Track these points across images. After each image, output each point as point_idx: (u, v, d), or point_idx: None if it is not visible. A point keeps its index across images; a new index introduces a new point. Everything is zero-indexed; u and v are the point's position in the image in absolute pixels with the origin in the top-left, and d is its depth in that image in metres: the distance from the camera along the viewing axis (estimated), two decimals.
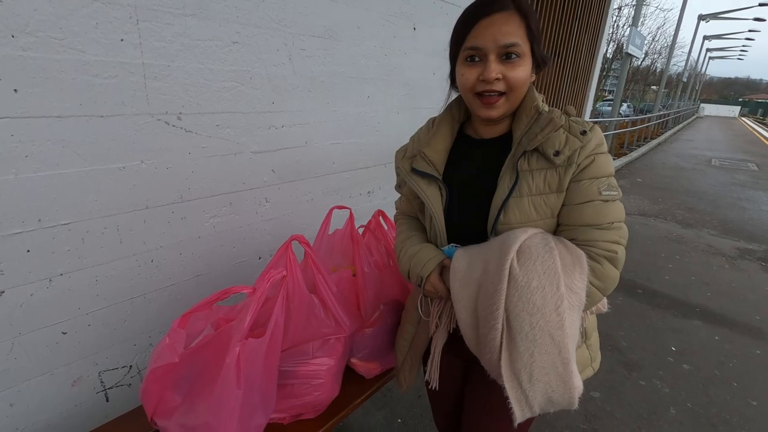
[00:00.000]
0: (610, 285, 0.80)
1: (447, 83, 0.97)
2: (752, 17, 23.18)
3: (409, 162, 0.94)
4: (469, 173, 0.89)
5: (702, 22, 22.28)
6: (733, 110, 56.75)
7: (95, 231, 1.13)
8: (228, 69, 1.31)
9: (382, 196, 2.15)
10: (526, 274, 0.73)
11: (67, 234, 1.08)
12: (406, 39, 1.99)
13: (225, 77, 1.31)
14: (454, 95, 0.96)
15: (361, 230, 1.36)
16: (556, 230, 0.83)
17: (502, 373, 0.75)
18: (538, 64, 0.83)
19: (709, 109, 53.60)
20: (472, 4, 0.80)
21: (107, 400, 1.27)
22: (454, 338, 0.95)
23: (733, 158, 11.12)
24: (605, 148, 0.81)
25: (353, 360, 1.25)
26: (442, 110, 0.98)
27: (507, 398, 0.76)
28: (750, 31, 27.25)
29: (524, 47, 0.77)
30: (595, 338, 0.98)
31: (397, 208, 1.13)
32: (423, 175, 0.90)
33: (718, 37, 31.14)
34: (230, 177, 1.41)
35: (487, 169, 0.86)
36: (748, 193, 6.82)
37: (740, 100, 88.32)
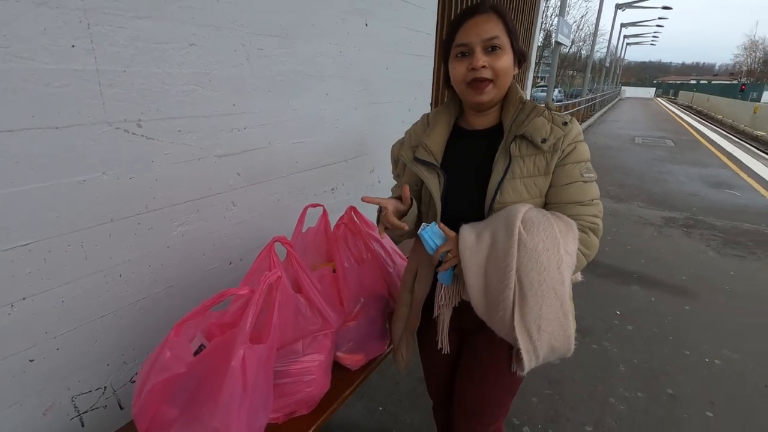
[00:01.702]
0: (593, 252, 0.94)
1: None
2: (661, 5, 25.38)
3: (412, 151, 1.05)
4: (464, 160, 1.01)
5: (619, 11, 24.07)
6: (649, 92, 62.06)
7: (58, 249, 1.06)
8: (186, 72, 1.28)
9: (346, 192, 2.17)
10: (533, 239, 0.84)
11: (28, 255, 1.01)
12: (359, 35, 2.01)
13: (184, 81, 1.27)
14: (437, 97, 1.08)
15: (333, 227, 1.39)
16: (546, 208, 0.95)
17: (515, 327, 0.85)
18: (519, 60, 0.96)
19: (629, 92, 58.18)
20: (458, 14, 0.95)
21: (82, 426, 1.21)
22: (454, 312, 1.07)
23: (653, 136, 12.22)
24: (582, 137, 0.94)
25: (338, 354, 1.28)
26: (435, 107, 1.10)
27: (518, 350, 0.87)
28: (659, 18, 29.85)
29: (504, 41, 0.91)
30: (571, 306, 1.09)
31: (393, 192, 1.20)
32: (424, 163, 1.01)
33: (633, 24, 33.82)
34: (196, 183, 1.38)
35: (481, 155, 0.97)
36: (668, 167, 7.55)
37: (654, 82, 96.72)
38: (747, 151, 9.89)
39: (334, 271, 1.27)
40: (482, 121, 1.01)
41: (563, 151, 0.91)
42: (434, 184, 0.99)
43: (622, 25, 33.63)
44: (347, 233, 1.35)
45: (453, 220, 0.98)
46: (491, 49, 0.90)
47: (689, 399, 1.99)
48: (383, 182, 2.51)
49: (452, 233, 0.95)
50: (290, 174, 1.78)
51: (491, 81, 0.91)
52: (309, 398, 1.10)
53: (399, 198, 1.03)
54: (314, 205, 1.37)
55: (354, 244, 1.34)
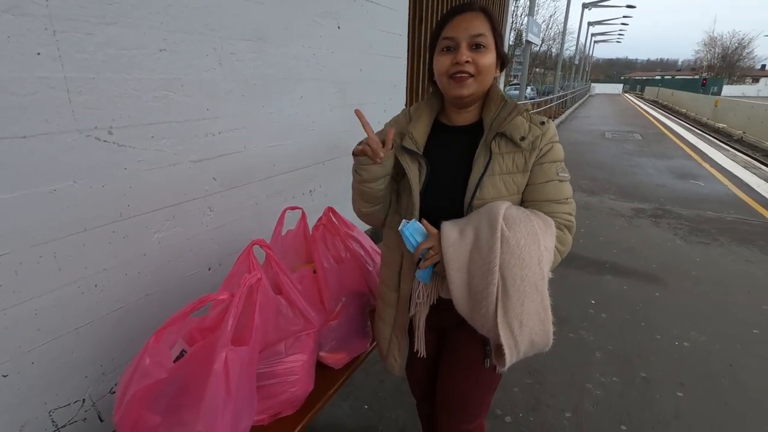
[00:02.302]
0: (568, 248, 0.98)
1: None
2: (625, 4, 26.27)
3: (400, 138, 1.03)
4: (443, 155, 1.01)
5: (586, 10, 24.79)
6: (618, 88, 64.10)
7: (29, 261, 1.04)
8: (157, 78, 1.27)
9: (324, 194, 2.18)
10: (515, 235, 0.86)
11: None
12: (332, 38, 2.03)
13: (155, 86, 1.26)
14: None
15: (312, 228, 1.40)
16: (522, 205, 0.97)
17: (497, 323, 0.86)
18: (502, 64, 0.98)
19: (598, 88, 59.90)
20: (448, 10, 0.97)
21: None
22: (431, 310, 1.06)
23: (622, 130, 12.63)
24: (558, 137, 0.97)
25: (321, 353, 1.29)
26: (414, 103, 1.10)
27: (498, 346, 0.88)
28: (624, 17, 30.89)
29: (490, 40, 0.93)
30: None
31: None
32: (409, 152, 1.01)
33: (600, 22, 34.89)
34: (171, 189, 1.37)
35: (460, 151, 0.98)
36: (636, 160, 7.82)
37: (622, 78, 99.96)
38: (709, 142, 10.34)
39: (315, 272, 1.29)
40: (463, 118, 1.02)
41: (541, 149, 0.94)
42: (415, 176, 0.98)
43: (590, 24, 34.64)
44: (326, 233, 1.37)
45: (431, 215, 0.97)
46: (476, 46, 0.92)
47: (661, 381, 2.08)
48: None
49: (434, 230, 0.94)
50: (267, 177, 1.78)
51: (473, 75, 0.93)
52: (294, 398, 1.11)
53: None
54: (293, 208, 1.38)
55: (333, 244, 1.36)
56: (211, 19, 1.40)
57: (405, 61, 2.84)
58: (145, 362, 0.79)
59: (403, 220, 0.96)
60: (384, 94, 2.62)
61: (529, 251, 0.86)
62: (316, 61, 1.95)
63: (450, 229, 0.92)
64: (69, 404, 1.19)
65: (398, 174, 1.05)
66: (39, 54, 0.99)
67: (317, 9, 1.89)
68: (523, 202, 0.98)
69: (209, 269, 1.56)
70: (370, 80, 2.42)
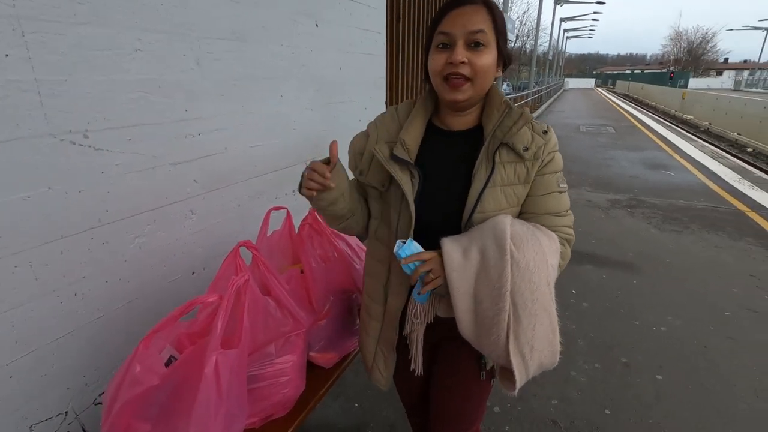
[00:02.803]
0: (565, 264, 0.93)
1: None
2: (595, 1, 26.91)
3: (389, 148, 0.92)
4: (438, 163, 0.92)
5: (558, 6, 25.28)
6: (590, 82, 65.74)
7: (4, 271, 1.00)
8: (133, 79, 1.23)
9: None
10: (524, 256, 0.80)
11: None
12: (310, 36, 2.01)
13: (131, 88, 1.23)
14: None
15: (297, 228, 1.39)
16: (520, 217, 0.92)
17: (509, 351, 0.80)
18: (504, 63, 0.90)
19: (572, 83, 61.30)
20: (446, 2, 0.88)
21: None
22: (426, 328, 0.99)
23: (596, 124, 12.96)
24: (558, 146, 0.92)
25: (311, 354, 1.29)
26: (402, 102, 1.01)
27: (502, 368, 0.85)
28: (595, 12, 31.64)
29: (490, 37, 0.83)
30: None
31: None
32: (400, 161, 0.90)
33: (572, 18, 35.63)
34: (151, 192, 1.34)
35: (457, 159, 0.91)
36: (610, 152, 8.05)
37: (594, 73, 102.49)
38: (678, 134, 10.71)
39: (302, 271, 1.28)
40: (460, 122, 0.93)
41: (543, 160, 0.88)
42: (407, 186, 0.89)
43: (562, 20, 35.33)
44: (312, 233, 1.36)
45: (424, 230, 0.90)
46: (474, 44, 0.82)
47: (641, 365, 2.15)
48: None
49: (432, 254, 0.86)
50: (249, 178, 1.76)
51: (469, 79, 0.84)
52: (285, 400, 1.11)
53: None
54: (278, 208, 1.37)
55: (319, 244, 1.35)
56: (186, 19, 1.37)
57: (384, 59, 2.84)
58: (135, 369, 0.77)
59: (398, 242, 0.87)
60: (364, 92, 2.61)
61: (539, 273, 0.81)
62: (296, 59, 1.93)
63: (453, 248, 0.84)
64: (51, 418, 1.15)
65: (382, 184, 0.95)
66: (7, 56, 0.95)
67: (295, 7, 1.87)
68: (521, 214, 0.92)
69: (193, 273, 1.54)
70: (349, 78, 2.41)
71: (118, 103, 1.20)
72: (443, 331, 0.96)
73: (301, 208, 2.07)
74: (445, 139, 0.94)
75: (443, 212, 0.91)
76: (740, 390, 1.97)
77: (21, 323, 1.05)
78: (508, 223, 0.83)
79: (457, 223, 0.89)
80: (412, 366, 1.03)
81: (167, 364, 0.90)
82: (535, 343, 0.82)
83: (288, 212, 1.41)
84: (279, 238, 1.42)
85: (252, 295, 0.96)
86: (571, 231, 0.94)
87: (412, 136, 0.92)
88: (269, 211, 1.35)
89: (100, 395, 1.27)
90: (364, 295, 1.11)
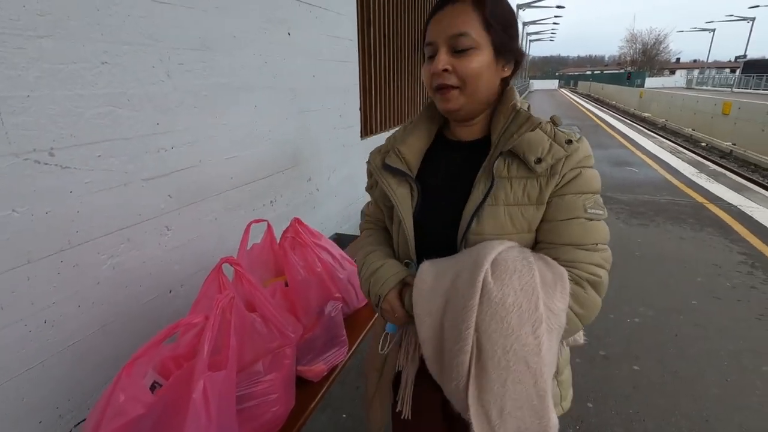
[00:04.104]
0: (592, 313, 0.73)
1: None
2: (555, 5, 27.93)
3: (382, 157, 0.86)
4: (443, 176, 0.83)
5: (521, 11, 26.06)
6: (554, 83, 68.09)
7: None
8: (101, 93, 1.18)
9: (285, 203, 2.14)
10: (501, 289, 0.65)
11: None
12: (282, 45, 1.99)
13: (99, 102, 1.18)
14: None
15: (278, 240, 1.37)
16: (535, 248, 0.76)
17: (468, 405, 0.67)
18: (508, 57, 0.78)
19: (537, 84, 63.19)
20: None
21: None
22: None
23: (562, 123, 13.36)
24: (593, 161, 0.75)
25: (299, 368, 1.26)
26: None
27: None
28: (555, 16, 32.81)
29: (477, 38, 0.72)
30: (567, 374, 0.88)
31: (366, 214, 1.02)
32: (395, 172, 0.82)
33: (534, 22, 36.78)
34: (123, 210, 1.28)
35: (462, 172, 0.79)
36: None
37: (557, 74, 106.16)
38: (638, 131, 11.20)
39: (286, 284, 1.26)
40: (467, 132, 0.83)
41: (563, 176, 0.72)
42: (405, 201, 0.81)
43: (525, 24, 36.43)
44: (294, 244, 1.34)
45: (428, 252, 0.80)
46: (458, 48, 0.73)
47: (618, 357, 2.22)
48: (321, 190, 2.50)
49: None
50: (225, 191, 1.71)
51: (458, 87, 0.75)
52: (276, 418, 1.08)
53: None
54: (258, 221, 1.34)
55: (302, 255, 1.33)
56: (154, 29, 1.33)
57: (356, 66, 2.84)
58: (118, 399, 0.73)
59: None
60: (338, 99, 2.60)
61: (519, 313, 0.64)
62: (269, 69, 1.90)
63: (427, 271, 0.75)
64: None
65: (388, 201, 0.86)
66: None
67: (265, 16, 1.85)
68: (537, 244, 0.76)
69: (170, 292, 1.48)
70: (323, 86, 2.40)
71: (85, 119, 1.15)
72: None
73: (280, 219, 2.05)
74: (452, 151, 0.84)
75: (445, 232, 0.78)
76: (711, 375, 2.06)
77: None
78: (497, 248, 0.70)
79: (455, 247, 0.78)
80: (399, 407, 0.90)
81: (151, 390, 0.86)
82: (507, 405, 0.65)
83: (269, 224, 1.38)
84: (260, 251, 1.39)
85: (238, 314, 0.93)
86: (601, 272, 0.73)
87: (412, 147, 0.84)
88: (249, 224, 1.33)
89: (76, 426, 1.20)
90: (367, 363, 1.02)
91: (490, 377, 0.65)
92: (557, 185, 0.72)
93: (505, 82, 0.81)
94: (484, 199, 0.73)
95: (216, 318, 0.83)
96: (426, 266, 0.76)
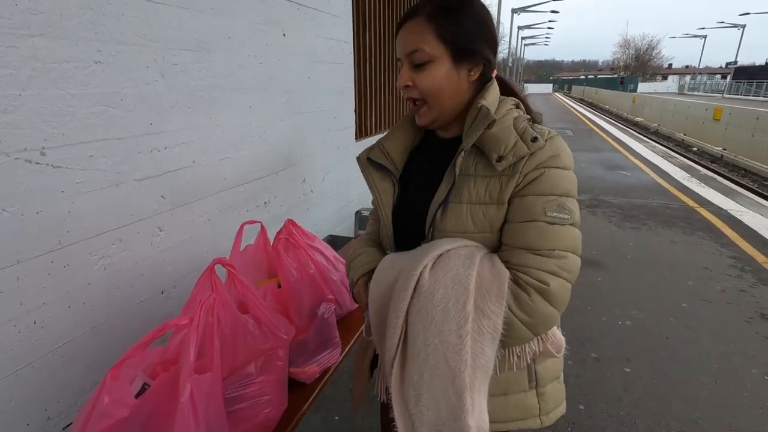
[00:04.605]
0: (541, 322, 0.69)
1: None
2: (549, 10, 28.18)
3: (367, 152, 0.88)
4: (423, 172, 0.85)
5: (515, 15, 26.25)
6: (548, 87, 68.57)
7: None
8: (94, 92, 1.18)
9: (279, 205, 2.13)
10: (432, 284, 0.67)
11: None
12: (277, 46, 1.99)
13: (92, 102, 1.17)
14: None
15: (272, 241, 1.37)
16: (500, 250, 0.75)
17: (392, 388, 0.69)
18: (473, 60, 0.76)
19: (531, 88, 63.60)
20: None
21: None
22: None
23: (555, 127, 13.36)
24: (563, 162, 0.72)
25: (292, 369, 1.26)
26: None
27: (392, 419, 0.69)
28: (550, 21, 33.10)
29: (433, 51, 0.73)
30: (552, 388, 0.86)
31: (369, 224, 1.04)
32: (378, 166, 0.85)
33: (529, 27, 37.08)
34: (115, 211, 1.27)
35: (438, 169, 0.79)
36: None
37: (551, 78, 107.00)
38: (631, 135, 11.31)
39: (279, 286, 1.25)
40: (447, 130, 0.85)
41: (525, 176, 0.70)
42: (386, 195, 0.83)
43: (519, 28, 36.69)
44: (288, 246, 1.34)
45: (403, 244, 0.82)
46: (416, 63, 0.75)
47: (610, 359, 2.24)
48: (316, 192, 2.50)
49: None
50: (219, 192, 1.71)
51: (423, 100, 0.77)
52: (267, 420, 1.07)
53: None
54: (251, 222, 1.34)
55: (295, 257, 1.33)
56: (149, 29, 1.33)
57: (351, 68, 2.84)
58: (103, 401, 0.73)
59: None
60: (332, 101, 2.60)
61: (444, 309, 0.65)
62: (263, 70, 1.90)
63: (383, 262, 0.78)
64: None
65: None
66: None
67: (260, 17, 1.85)
68: (501, 246, 0.75)
69: (162, 293, 1.47)
70: (318, 88, 2.40)
71: (78, 118, 1.14)
72: None
73: (272, 220, 2.04)
74: (435, 148, 0.86)
75: (417, 227, 0.80)
76: (701, 377, 2.08)
77: None
78: (447, 245, 0.70)
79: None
80: (375, 390, 0.93)
81: (140, 394, 0.85)
82: (423, 398, 0.65)
83: (262, 226, 1.38)
84: (254, 253, 1.38)
85: (224, 314, 0.93)
86: (550, 279, 0.68)
87: (396, 143, 0.86)
88: (242, 226, 1.32)
89: (64, 429, 1.19)
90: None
91: (409, 367, 0.67)
92: (518, 185, 0.71)
93: (481, 81, 0.79)
94: (447, 196, 0.74)
95: (200, 320, 0.82)
96: (386, 258, 0.80)
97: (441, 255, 0.70)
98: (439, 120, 0.80)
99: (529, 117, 0.79)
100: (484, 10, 0.78)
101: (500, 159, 0.70)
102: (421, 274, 0.68)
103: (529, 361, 0.79)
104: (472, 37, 0.75)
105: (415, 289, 0.68)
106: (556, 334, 0.80)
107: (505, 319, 0.66)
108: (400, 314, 0.68)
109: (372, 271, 0.83)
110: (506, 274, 0.68)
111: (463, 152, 0.74)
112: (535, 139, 0.71)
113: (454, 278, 0.66)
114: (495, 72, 0.82)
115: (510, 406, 0.80)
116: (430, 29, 0.73)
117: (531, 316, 0.68)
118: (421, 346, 0.66)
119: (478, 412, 0.65)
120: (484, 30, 0.76)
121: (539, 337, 0.77)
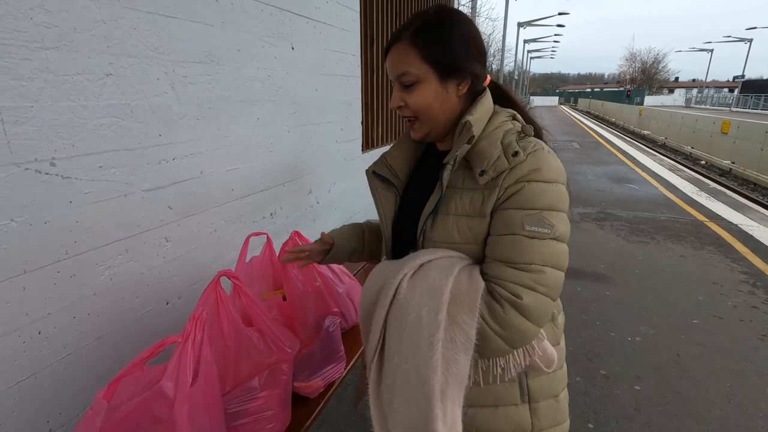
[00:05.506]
0: (516, 336, 0.69)
1: None
2: (555, 23, 28.36)
3: (373, 167, 0.93)
4: (421, 184, 0.88)
5: (521, 29, 26.45)
6: (554, 100, 68.81)
7: None
8: (105, 104, 1.19)
9: (285, 216, 2.14)
10: (409, 292, 0.69)
11: None
12: (286, 59, 2.01)
13: (102, 113, 1.19)
14: None
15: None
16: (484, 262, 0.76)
17: (371, 386, 0.73)
18: (461, 75, 0.78)
19: (537, 101, 63.86)
20: None
21: None
22: None
23: (561, 140, 13.46)
24: (545, 176, 0.71)
25: (296, 384, 1.24)
26: None
27: (368, 418, 0.72)
28: (555, 35, 33.31)
29: (419, 72, 0.76)
30: (547, 405, 0.84)
31: None
32: (382, 179, 0.90)
33: (535, 40, 37.32)
34: (122, 221, 1.28)
35: (433, 181, 0.81)
36: (577, 167, 8.36)
37: (557, 91, 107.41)
38: (638, 148, 11.27)
39: (284, 298, 1.25)
40: (442, 144, 0.88)
41: (505, 189, 0.71)
42: (388, 205, 0.88)
43: (525, 41, 36.94)
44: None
45: (401, 253, 0.84)
46: (405, 84, 0.78)
47: (619, 376, 2.19)
48: (322, 203, 2.50)
49: None
50: (226, 203, 1.71)
51: (417, 118, 0.81)
52: None
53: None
54: (257, 234, 1.33)
55: (301, 269, 1.32)
56: (160, 42, 1.35)
57: (359, 80, 2.87)
58: (86, 415, 0.71)
59: None
60: (340, 114, 2.62)
61: (417, 316, 0.66)
62: (272, 82, 1.92)
63: (374, 269, 0.81)
64: None
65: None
66: None
67: (269, 30, 1.87)
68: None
69: (167, 304, 1.47)
70: (325, 100, 2.42)
71: (88, 130, 1.15)
72: None
73: (278, 231, 2.04)
74: (433, 160, 0.88)
75: (412, 237, 0.83)
76: (713, 395, 2.03)
77: None
78: (430, 255, 0.73)
79: None
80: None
81: None
82: (395, 400, 0.67)
83: (268, 237, 1.38)
84: (259, 265, 1.38)
85: (233, 327, 0.92)
86: (524, 293, 0.68)
87: (399, 156, 0.91)
88: (248, 237, 1.32)
89: None
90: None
91: (384, 370, 0.71)
92: (498, 198, 0.72)
93: (471, 93, 0.81)
94: (436, 207, 0.77)
95: (195, 335, 0.81)
96: (377, 266, 0.83)
97: (423, 265, 0.73)
98: (433, 133, 0.83)
99: (519, 130, 0.79)
100: (467, 24, 0.79)
101: (482, 173, 0.73)
102: (400, 282, 0.72)
103: (513, 374, 0.78)
104: (455, 55, 0.77)
105: (394, 296, 0.72)
106: (546, 349, 0.78)
107: (479, 330, 0.67)
108: (380, 320, 0.72)
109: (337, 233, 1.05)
110: (481, 285, 0.69)
111: (448, 165, 0.76)
112: (515, 154, 0.71)
113: (429, 287, 0.69)
114: (488, 80, 0.84)
115: (499, 418, 0.81)
116: (414, 51, 0.76)
117: (505, 329, 0.68)
118: (395, 351, 0.68)
119: (450, 420, 0.66)
120: (469, 45, 0.78)
121: (525, 351, 0.75)
